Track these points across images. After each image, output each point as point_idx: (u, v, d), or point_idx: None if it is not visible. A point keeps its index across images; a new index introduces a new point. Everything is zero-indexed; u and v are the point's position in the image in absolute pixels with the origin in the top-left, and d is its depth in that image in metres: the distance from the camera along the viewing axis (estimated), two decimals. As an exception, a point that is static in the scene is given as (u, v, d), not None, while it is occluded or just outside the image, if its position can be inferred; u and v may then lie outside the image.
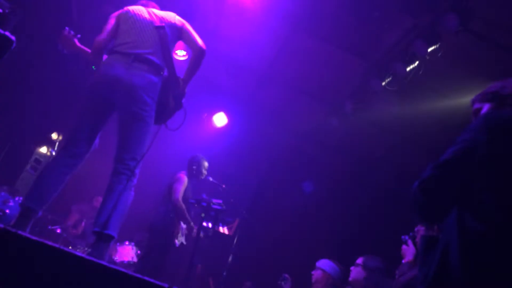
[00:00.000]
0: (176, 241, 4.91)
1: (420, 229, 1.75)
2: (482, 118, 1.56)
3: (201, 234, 4.71)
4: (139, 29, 2.93)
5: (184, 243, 5.06)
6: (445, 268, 1.41)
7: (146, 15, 3.00)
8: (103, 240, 2.53)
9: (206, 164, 5.25)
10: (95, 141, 2.89)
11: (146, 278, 1.58)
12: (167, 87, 2.90)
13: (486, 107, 1.76)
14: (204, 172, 5.23)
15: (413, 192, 1.57)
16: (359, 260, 4.04)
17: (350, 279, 4.06)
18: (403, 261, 3.41)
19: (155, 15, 3.02)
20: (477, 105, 1.81)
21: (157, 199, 5.25)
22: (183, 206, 4.84)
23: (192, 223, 5.02)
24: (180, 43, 3.68)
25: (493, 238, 1.37)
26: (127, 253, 5.46)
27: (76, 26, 6.77)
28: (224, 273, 5.83)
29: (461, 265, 1.36)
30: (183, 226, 5.01)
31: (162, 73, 2.89)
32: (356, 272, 4.01)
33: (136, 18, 2.97)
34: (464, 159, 1.50)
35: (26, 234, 1.55)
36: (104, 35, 3.00)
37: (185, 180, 5.01)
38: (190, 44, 3.04)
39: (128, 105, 2.75)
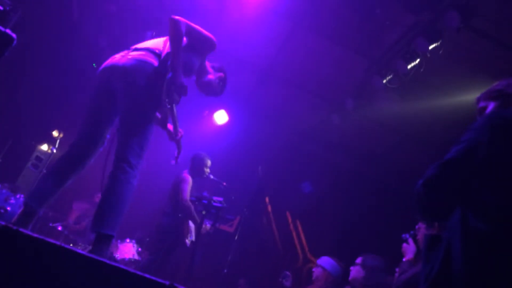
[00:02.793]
0: (187, 241, 4.93)
1: (421, 227, 1.75)
2: (485, 118, 1.55)
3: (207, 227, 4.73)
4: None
5: (193, 240, 5.09)
6: (447, 267, 1.41)
7: None
8: (102, 239, 2.48)
9: (208, 162, 5.27)
10: (102, 142, 2.81)
11: (147, 276, 1.58)
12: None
13: (491, 106, 1.75)
14: (207, 170, 5.24)
15: (417, 191, 1.57)
16: (358, 260, 4.05)
17: (349, 278, 4.07)
18: (404, 259, 3.41)
19: None
20: (482, 104, 1.80)
21: (158, 197, 5.26)
22: (191, 206, 4.86)
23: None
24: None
25: (496, 238, 1.37)
26: (128, 250, 5.47)
27: (76, 25, 6.80)
28: (225, 270, 5.84)
29: (463, 264, 1.37)
30: (192, 225, 5.03)
31: (160, 58, 2.74)
32: (355, 272, 4.02)
33: None
34: (467, 158, 1.50)
35: (27, 231, 1.55)
36: None
37: (190, 179, 5.03)
38: None
39: (122, 90, 2.65)
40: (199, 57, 3.05)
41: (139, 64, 2.67)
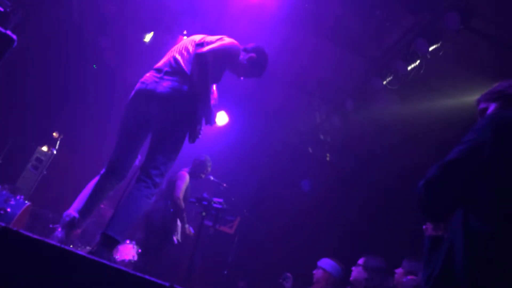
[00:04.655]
0: (175, 238, 4.92)
1: (429, 227, 1.75)
2: (487, 118, 1.55)
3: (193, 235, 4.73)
4: (177, 48, 3.01)
5: (180, 240, 5.07)
6: (449, 268, 1.41)
7: (195, 38, 3.05)
8: (107, 242, 2.56)
9: (209, 168, 5.26)
10: (133, 162, 2.92)
11: (147, 277, 1.58)
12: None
13: (492, 107, 1.75)
14: (202, 176, 5.23)
15: (418, 191, 1.57)
16: (360, 261, 4.05)
17: (351, 279, 4.07)
18: None
19: (201, 38, 3.02)
20: (482, 105, 1.80)
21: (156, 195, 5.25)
22: (183, 204, 4.86)
23: (187, 224, 5.04)
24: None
25: (498, 239, 1.37)
26: (128, 252, 5.46)
27: (77, 26, 6.80)
28: (225, 272, 5.84)
29: (465, 265, 1.37)
30: (179, 224, 5.02)
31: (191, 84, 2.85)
32: (357, 272, 4.02)
33: (180, 42, 3.09)
34: (469, 159, 1.50)
35: (27, 232, 1.55)
36: None
37: (187, 177, 5.02)
38: None
39: (158, 116, 2.75)
40: (228, 64, 3.09)
41: (175, 93, 2.75)
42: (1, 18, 2.48)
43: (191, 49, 2.93)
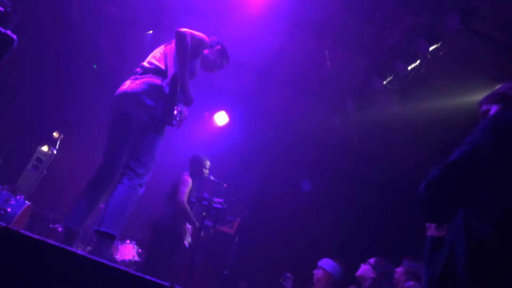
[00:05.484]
0: (186, 242, 4.93)
1: (431, 226, 1.76)
2: (490, 120, 1.56)
3: (202, 233, 4.72)
4: (152, 53, 3.17)
5: (191, 243, 5.08)
6: (451, 268, 1.41)
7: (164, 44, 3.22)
8: (103, 238, 2.59)
9: (207, 163, 5.25)
10: (123, 162, 2.94)
11: (147, 277, 1.58)
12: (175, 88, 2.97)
13: (494, 109, 1.75)
14: (206, 171, 5.22)
15: (420, 192, 1.57)
16: (372, 260, 4.13)
17: (357, 274, 4.15)
18: None
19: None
20: (484, 107, 1.80)
21: (158, 198, 5.24)
22: (188, 207, 4.85)
23: (197, 224, 5.02)
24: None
25: (499, 239, 1.37)
26: (128, 251, 5.46)
27: (77, 26, 6.80)
28: (225, 272, 5.84)
29: (467, 266, 1.37)
30: (189, 226, 5.03)
31: (166, 75, 2.97)
32: (364, 269, 4.11)
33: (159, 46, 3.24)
34: (471, 160, 1.50)
35: (27, 232, 1.55)
36: None
37: (190, 181, 5.01)
38: None
39: (134, 111, 2.86)
40: (199, 57, 3.24)
41: (146, 88, 2.89)
42: (1, 18, 2.49)
43: (162, 50, 3.11)
